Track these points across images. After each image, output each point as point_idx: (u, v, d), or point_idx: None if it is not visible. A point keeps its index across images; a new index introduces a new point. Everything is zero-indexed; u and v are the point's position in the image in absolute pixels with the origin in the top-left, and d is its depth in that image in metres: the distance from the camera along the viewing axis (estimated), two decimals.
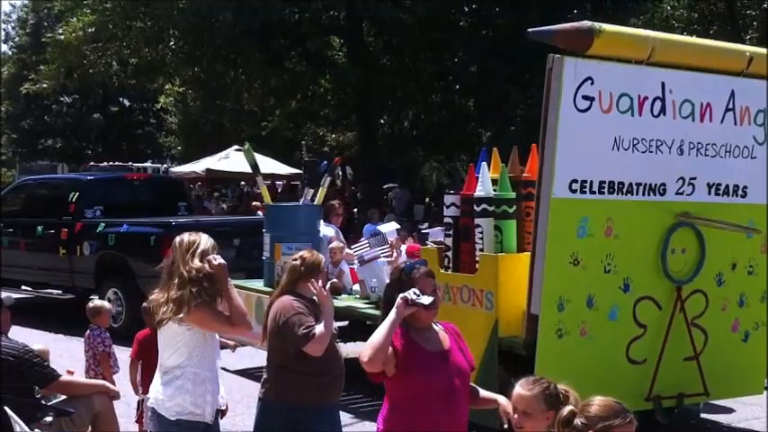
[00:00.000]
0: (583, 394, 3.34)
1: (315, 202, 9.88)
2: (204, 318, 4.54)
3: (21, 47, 45.74)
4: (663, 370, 6.50)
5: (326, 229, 10.05)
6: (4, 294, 6.77)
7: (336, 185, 28.34)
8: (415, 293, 3.84)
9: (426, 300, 3.85)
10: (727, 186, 6.72)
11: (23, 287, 13.10)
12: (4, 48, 50.86)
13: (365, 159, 23.56)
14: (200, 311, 4.50)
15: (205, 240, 4.66)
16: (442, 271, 6.88)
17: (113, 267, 11.69)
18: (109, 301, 11.46)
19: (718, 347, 6.84)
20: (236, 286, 9.23)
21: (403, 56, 22.32)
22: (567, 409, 3.22)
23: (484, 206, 6.64)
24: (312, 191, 9.95)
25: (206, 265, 4.54)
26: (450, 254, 6.99)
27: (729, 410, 7.76)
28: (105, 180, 14.29)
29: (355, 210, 19.68)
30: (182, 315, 4.46)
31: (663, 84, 6.29)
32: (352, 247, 8.99)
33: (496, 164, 7.09)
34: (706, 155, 6.56)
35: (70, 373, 6.23)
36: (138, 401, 6.45)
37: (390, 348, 3.81)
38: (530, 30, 6.07)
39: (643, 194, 6.33)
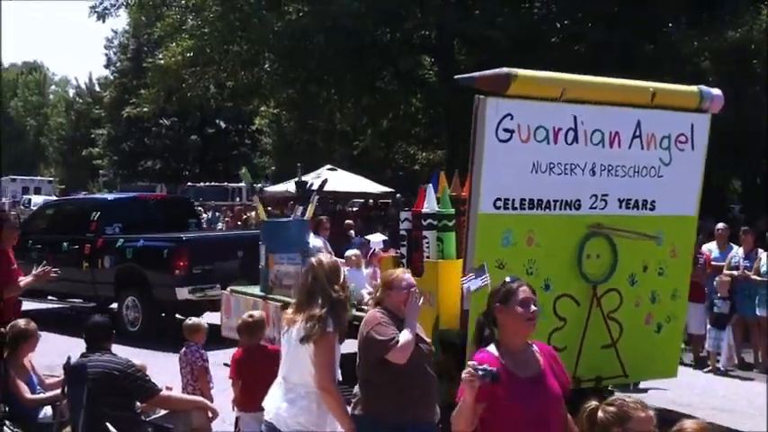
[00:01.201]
0: None
1: (305, 217, 11.15)
2: (327, 348, 4.47)
3: (122, 72, 47.41)
4: (582, 356, 7.63)
5: (315, 241, 11.25)
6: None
7: None
8: (473, 368, 3.67)
9: (491, 369, 3.68)
10: (636, 201, 7.89)
11: (50, 297, 14.34)
12: (107, 72, 53.08)
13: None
14: (330, 341, 4.49)
15: (341, 265, 4.73)
16: None
17: (131, 278, 12.86)
18: (127, 308, 12.91)
19: (633, 337, 7.97)
20: (238, 292, 10.80)
21: None
22: None
23: (429, 221, 7.88)
24: (302, 207, 11.23)
25: (341, 294, 4.58)
26: (404, 261, 8.24)
27: (643, 391, 9.00)
28: (123, 200, 15.79)
29: None
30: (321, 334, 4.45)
31: (575, 116, 7.45)
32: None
33: (443, 185, 8.34)
34: (616, 175, 7.73)
35: (169, 389, 6.42)
36: (236, 418, 6.67)
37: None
38: (456, 77, 7.32)
39: (560, 209, 7.52)
